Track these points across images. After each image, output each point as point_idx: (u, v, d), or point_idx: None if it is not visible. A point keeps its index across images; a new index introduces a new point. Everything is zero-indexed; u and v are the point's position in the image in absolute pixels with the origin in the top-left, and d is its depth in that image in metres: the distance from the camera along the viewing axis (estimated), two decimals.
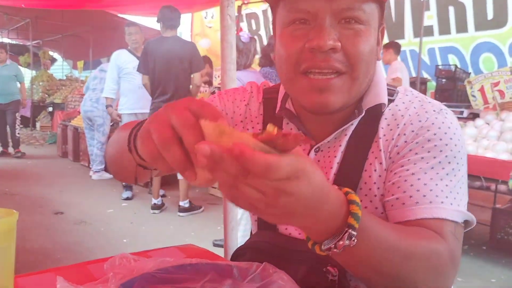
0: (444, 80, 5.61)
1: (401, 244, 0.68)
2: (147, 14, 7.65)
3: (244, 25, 8.70)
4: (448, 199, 0.77)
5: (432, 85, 6.13)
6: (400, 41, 6.10)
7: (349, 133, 0.88)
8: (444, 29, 6.32)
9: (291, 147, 0.52)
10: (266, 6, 8.23)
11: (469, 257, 3.49)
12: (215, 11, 8.81)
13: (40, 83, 11.19)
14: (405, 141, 0.83)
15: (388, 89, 0.89)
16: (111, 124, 6.34)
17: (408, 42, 6.65)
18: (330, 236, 0.61)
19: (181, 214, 4.55)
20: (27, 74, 8.58)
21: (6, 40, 12.54)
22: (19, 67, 8.30)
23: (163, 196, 4.97)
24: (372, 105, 0.87)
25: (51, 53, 13.81)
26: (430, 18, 6.34)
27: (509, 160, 3.32)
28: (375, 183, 0.84)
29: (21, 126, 8.32)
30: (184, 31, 9.42)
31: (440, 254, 0.71)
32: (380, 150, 0.85)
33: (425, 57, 6.55)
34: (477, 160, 3.32)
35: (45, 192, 5.38)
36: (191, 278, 0.80)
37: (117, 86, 5.01)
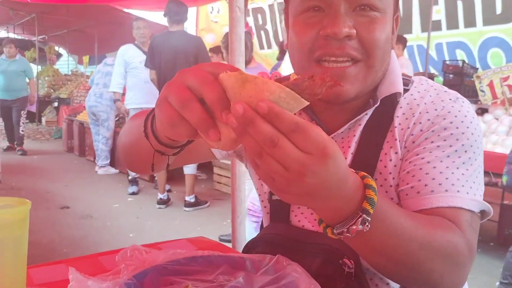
0: (451, 75, 5.58)
1: (417, 232, 0.66)
2: (153, 9, 7.64)
3: (250, 19, 8.67)
4: (464, 188, 0.76)
5: (439, 80, 6.09)
6: (407, 36, 6.06)
7: (363, 123, 0.86)
8: (452, 24, 6.26)
9: (318, 90, 0.50)
10: (272, 0, 8.20)
11: (477, 253, 3.47)
12: (221, 5, 8.78)
13: (46, 78, 11.22)
14: (421, 130, 0.81)
15: (403, 78, 0.88)
16: (116, 119, 6.35)
17: (415, 37, 6.59)
18: (344, 220, 0.60)
19: (187, 209, 4.55)
20: (33, 69, 8.58)
21: (11, 35, 12.57)
22: (29, 62, 8.18)
23: (169, 191, 4.97)
24: (388, 94, 0.85)
25: (56, 48, 13.84)
26: (438, 12, 6.28)
27: None
28: (390, 173, 0.83)
29: (27, 121, 8.28)
30: (189, 26, 9.41)
31: (457, 244, 0.70)
32: (396, 140, 0.83)
33: (433, 52, 6.50)
34: (486, 156, 3.26)
35: (51, 186, 5.40)
36: (204, 270, 0.79)
37: (124, 81, 5.01)
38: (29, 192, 5.13)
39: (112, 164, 6.32)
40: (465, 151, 0.79)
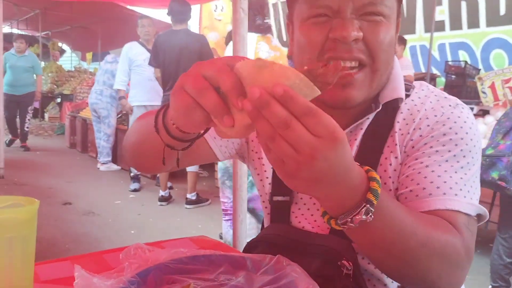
0: (453, 76, 5.58)
1: (417, 229, 0.68)
2: (157, 6, 7.64)
3: None
4: (462, 192, 0.77)
5: (441, 81, 6.08)
6: (411, 36, 6.06)
7: (364, 127, 0.88)
8: (456, 25, 6.26)
9: (331, 77, 0.53)
10: (275, 0, 8.20)
11: (476, 254, 3.47)
12: (224, 3, 8.77)
13: (49, 74, 11.24)
14: (420, 135, 0.83)
15: (404, 84, 0.89)
16: (118, 116, 6.37)
17: (419, 37, 6.59)
18: (348, 211, 0.61)
19: (188, 206, 4.57)
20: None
21: (15, 30, 12.59)
22: (37, 58, 8.12)
23: (170, 188, 4.99)
24: (390, 99, 0.86)
25: (60, 44, 13.86)
26: (442, 13, 6.28)
27: None
28: (390, 177, 0.84)
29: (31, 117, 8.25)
30: (192, 23, 9.41)
31: (455, 245, 0.71)
32: (396, 145, 0.85)
33: (435, 53, 6.50)
34: None
35: (54, 182, 5.42)
36: (205, 269, 0.81)
37: (128, 78, 5.04)
38: (31, 188, 5.16)
39: (114, 161, 6.35)
40: (464, 156, 0.80)
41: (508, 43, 5.82)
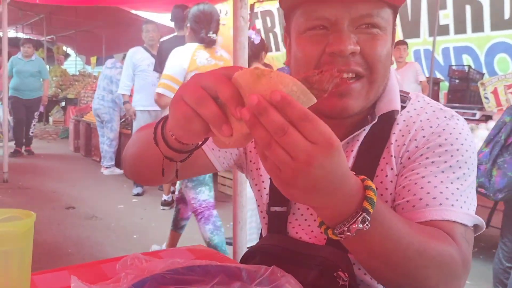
0: (457, 80, 5.58)
1: (414, 238, 0.68)
2: (161, 11, 7.68)
3: (259, 22, 8.68)
4: (458, 202, 0.78)
5: (445, 85, 6.08)
6: (415, 40, 6.06)
7: (361, 138, 0.89)
8: (460, 28, 6.25)
9: (327, 84, 0.54)
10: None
11: (479, 260, 3.47)
12: (229, 8, 8.80)
13: (54, 78, 11.31)
14: (416, 146, 0.84)
15: (400, 95, 0.90)
16: (122, 120, 6.40)
17: (423, 41, 6.59)
18: (344, 219, 0.62)
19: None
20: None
21: (20, 35, 12.68)
22: (44, 63, 7.99)
23: (173, 192, 5.00)
24: (386, 111, 0.87)
25: (64, 48, 13.95)
26: (446, 17, 6.27)
27: None
28: (386, 188, 0.85)
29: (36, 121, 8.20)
30: None
31: (452, 254, 0.72)
32: (392, 156, 0.85)
33: (439, 57, 6.50)
34: None
35: (57, 186, 5.45)
36: (200, 280, 0.81)
37: (132, 83, 5.07)
38: (35, 192, 5.19)
39: (117, 165, 6.37)
40: (460, 167, 0.81)
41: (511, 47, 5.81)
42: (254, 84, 0.52)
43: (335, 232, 0.63)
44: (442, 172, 0.80)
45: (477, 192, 2.61)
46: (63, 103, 10.76)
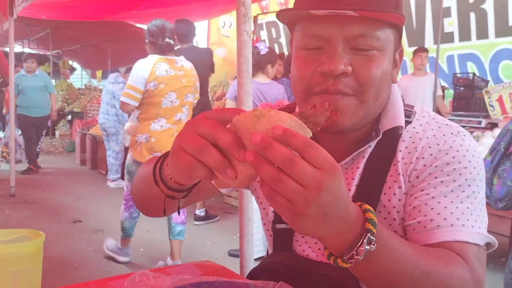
0: (461, 88, 5.56)
1: (420, 261, 0.68)
2: None
3: (263, 33, 8.74)
4: (469, 222, 0.78)
5: (450, 93, 6.07)
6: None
7: (366, 155, 0.88)
8: (465, 36, 6.25)
9: (320, 119, 0.58)
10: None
11: (488, 268, 3.44)
12: (232, 19, 8.88)
13: (60, 92, 11.40)
14: (424, 165, 0.84)
15: (405, 109, 0.90)
16: None
17: (428, 48, 6.59)
18: (350, 245, 0.63)
19: (196, 223, 4.57)
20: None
21: (26, 50, 12.83)
22: (49, 76, 7.88)
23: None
24: (389, 127, 0.87)
25: (70, 62, 14.08)
26: (451, 24, 6.28)
27: None
28: (394, 207, 0.85)
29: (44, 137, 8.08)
30: (200, 39, 9.52)
31: (460, 275, 0.71)
32: (399, 174, 0.85)
33: (444, 65, 6.49)
34: None
35: (64, 200, 5.47)
36: None
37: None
38: (42, 206, 5.21)
39: (123, 177, 6.37)
40: (469, 185, 0.81)
41: None
42: (254, 125, 0.54)
43: (345, 259, 0.64)
44: (452, 191, 0.80)
45: None
46: (69, 117, 10.83)
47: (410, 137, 0.87)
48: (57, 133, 11.21)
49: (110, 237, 3.72)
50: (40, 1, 5.18)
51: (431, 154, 0.84)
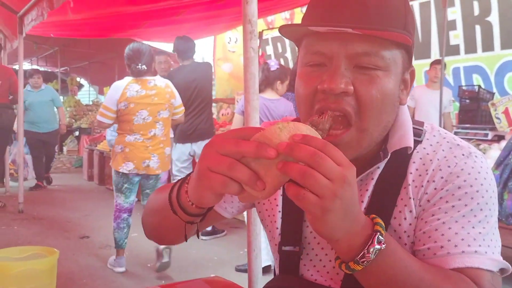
0: (467, 100, 5.55)
1: (426, 275, 0.70)
2: (171, 41, 7.84)
3: (269, 48, 8.80)
4: (481, 248, 0.76)
5: (455, 106, 6.06)
6: (425, 61, 6.07)
7: (375, 176, 0.86)
8: (470, 48, 6.26)
9: (326, 125, 0.69)
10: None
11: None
12: (238, 35, 8.96)
13: (68, 109, 11.51)
14: (435, 188, 0.81)
15: (414, 128, 0.87)
16: None
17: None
18: (359, 250, 0.66)
19: (204, 237, 4.56)
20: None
21: (35, 67, 12.98)
22: (55, 90, 7.79)
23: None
24: (398, 148, 0.84)
25: (78, 79, 14.23)
26: (457, 37, 6.30)
27: None
28: (405, 231, 0.83)
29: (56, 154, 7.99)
30: (206, 55, 9.60)
31: None
32: (410, 198, 0.83)
33: (449, 78, 6.50)
34: None
35: (72, 216, 5.48)
36: None
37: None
38: (50, 221, 5.23)
39: None
40: (481, 209, 0.79)
41: None
42: (278, 137, 0.60)
43: (357, 260, 0.66)
44: (463, 216, 0.78)
45: None
46: (76, 133, 10.91)
47: (421, 159, 0.85)
48: (64, 149, 11.28)
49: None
50: (48, 20, 5.27)
51: (442, 177, 0.81)
